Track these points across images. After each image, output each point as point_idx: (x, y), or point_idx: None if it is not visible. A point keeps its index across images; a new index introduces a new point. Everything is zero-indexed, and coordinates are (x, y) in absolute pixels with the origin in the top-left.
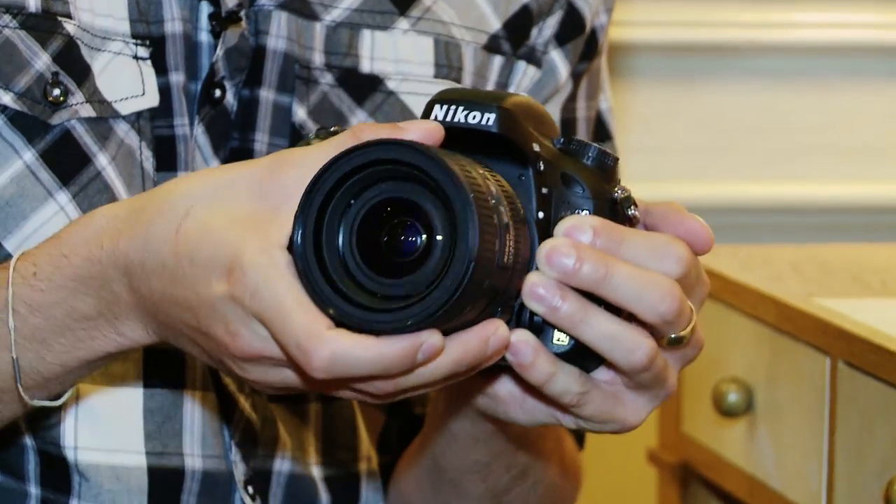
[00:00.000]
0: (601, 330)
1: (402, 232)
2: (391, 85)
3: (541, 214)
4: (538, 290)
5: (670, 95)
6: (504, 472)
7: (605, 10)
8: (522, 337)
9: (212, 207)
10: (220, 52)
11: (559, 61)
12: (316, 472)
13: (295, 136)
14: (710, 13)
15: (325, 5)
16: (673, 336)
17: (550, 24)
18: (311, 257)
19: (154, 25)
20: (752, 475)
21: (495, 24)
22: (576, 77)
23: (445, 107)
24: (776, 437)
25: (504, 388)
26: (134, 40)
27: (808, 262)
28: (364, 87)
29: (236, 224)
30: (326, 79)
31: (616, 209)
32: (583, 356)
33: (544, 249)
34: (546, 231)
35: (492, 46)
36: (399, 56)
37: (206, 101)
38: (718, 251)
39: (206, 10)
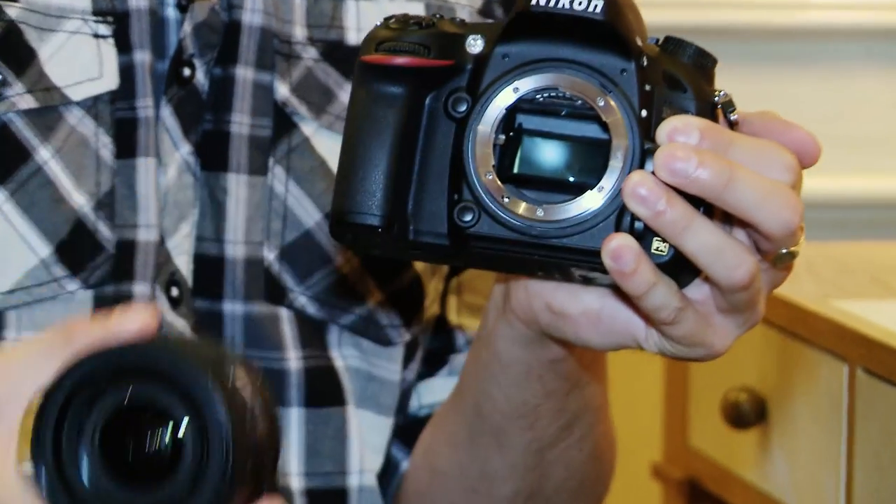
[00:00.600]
0: (706, 241)
1: (145, 433)
2: None
3: (644, 113)
4: (640, 191)
5: None
6: (553, 420)
7: None
8: (624, 241)
9: None
10: (187, 27)
11: None
12: (295, 483)
13: (279, 115)
14: None
15: None
16: (785, 251)
17: None
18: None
19: (118, 0)
20: (764, 491)
21: None
22: None
23: None
24: (790, 450)
25: (577, 302)
26: (95, 17)
27: (824, 262)
28: (352, 61)
29: None
30: (310, 53)
31: (716, 113)
32: (680, 269)
33: (662, 155)
34: (648, 131)
35: (485, 11)
36: None
37: (173, 80)
38: None
39: None
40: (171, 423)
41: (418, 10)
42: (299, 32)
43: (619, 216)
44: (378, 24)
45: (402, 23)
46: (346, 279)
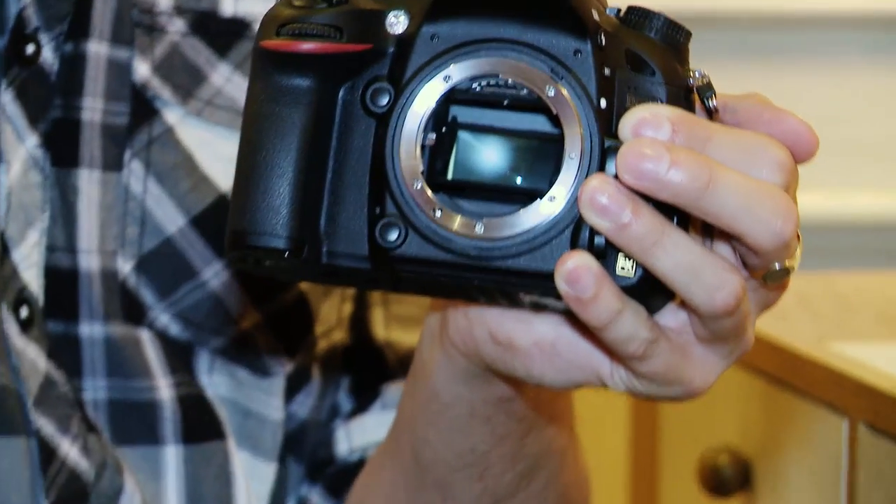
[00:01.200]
0: (681, 258)
1: None
2: None
3: (603, 102)
4: (600, 199)
5: None
6: (507, 468)
7: None
8: (582, 261)
9: None
10: None
11: None
12: None
13: (137, 100)
14: None
15: None
16: (778, 267)
17: None
18: None
19: None
20: None
21: None
22: None
23: None
24: None
25: (528, 331)
26: None
27: (821, 296)
28: (227, 34)
29: None
30: (176, 26)
31: (692, 98)
32: (651, 293)
33: (627, 154)
34: (609, 125)
35: None
36: None
37: (15, 59)
38: None
39: None
40: None
41: None
42: (164, 1)
43: (575, 230)
44: (278, 1)
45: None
46: (215, 295)
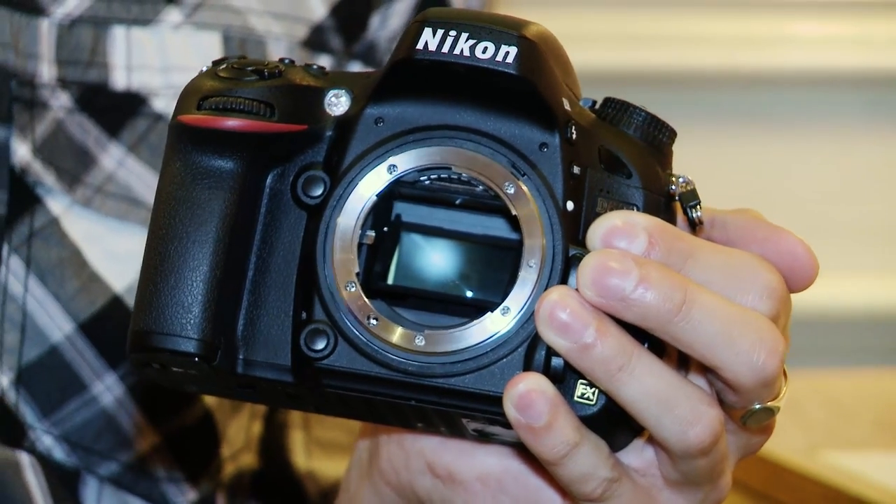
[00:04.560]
0: (650, 387)
1: None
2: (159, 105)
3: (570, 205)
4: (560, 315)
5: None
6: None
7: None
8: (535, 385)
9: None
10: None
11: None
12: None
13: (17, 186)
14: (661, 23)
15: None
16: (759, 407)
17: (399, 11)
18: None
19: None
20: None
21: (319, 10)
22: None
23: (441, 32)
24: None
25: (471, 463)
26: None
27: (812, 399)
28: (119, 111)
29: None
30: (61, 100)
31: (673, 207)
32: (614, 425)
33: (590, 266)
34: (576, 230)
35: (315, 41)
36: (169, 62)
37: None
38: None
39: None
40: None
41: (212, 42)
42: (47, 71)
43: (529, 349)
44: (203, 69)
45: (237, 70)
46: (107, 413)
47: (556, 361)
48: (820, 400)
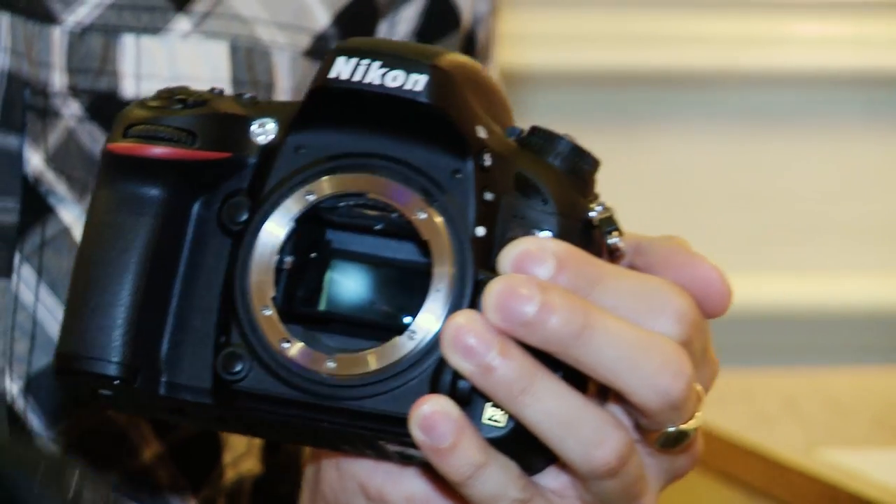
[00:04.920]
0: (552, 408)
1: None
2: None
3: (480, 231)
4: (465, 339)
5: (602, 143)
6: None
7: None
8: (439, 406)
9: None
10: None
11: None
12: None
13: (30, 195)
14: (659, 23)
15: (66, 2)
16: (672, 430)
17: (406, 17)
18: None
19: None
20: None
21: (322, 19)
22: None
23: (354, 61)
24: None
25: (398, 485)
26: None
27: (811, 396)
28: None
29: None
30: (72, 109)
31: (591, 234)
32: (526, 448)
33: (494, 291)
34: (487, 256)
35: (317, 51)
36: (178, 71)
37: None
38: None
39: None
40: None
41: (220, 51)
42: (58, 80)
43: (436, 372)
44: (134, 100)
45: (165, 99)
46: (113, 423)
47: (462, 384)
48: (819, 398)
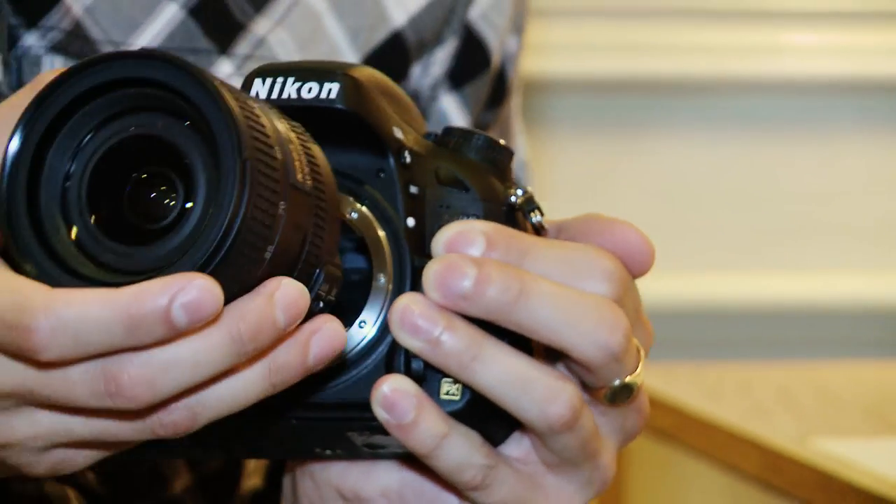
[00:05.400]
0: (503, 371)
1: (150, 188)
2: None
3: (411, 221)
4: (413, 319)
5: (605, 149)
6: None
7: (513, 30)
8: (397, 384)
9: None
10: None
11: (454, 110)
12: None
13: None
14: (661, 33)
15: (116, 43)
16: (617, 384)
17: (439, 59)
18: (20, 196)
19: None
20: None
21: (351, 60)
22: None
23: (270, 80)
24: None
25: (372, 481)
26: None
27: (804, 388)
28: None
29: None
30: None
31: (514, 216)
32: (485, 417)
33: (432, 271)
34: (420, 244)
35: None
36: None
37: None
38: (676, 374)
39: None
40: (183, 192)
41: None
42: None
43: (388, 356)
44: None
45: None
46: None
47: (415, 364)
48: (811, 390)
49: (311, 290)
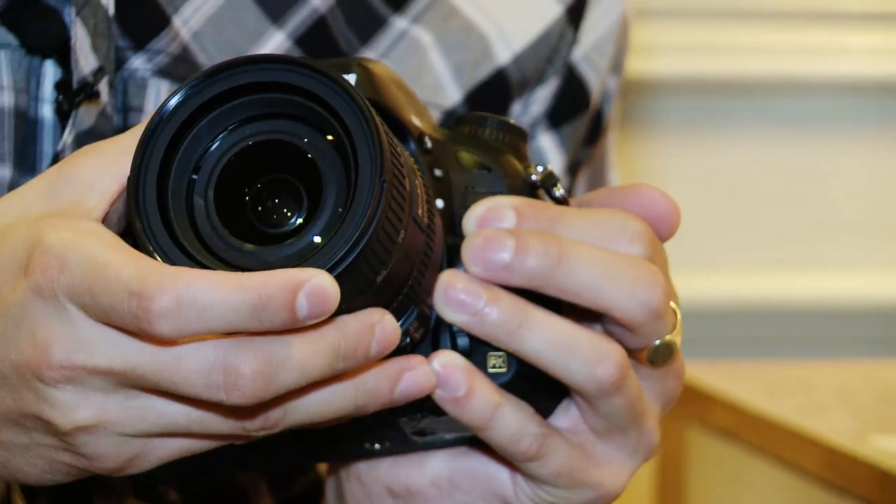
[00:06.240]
0: (550, 336)
1: (275, 194)
2: None
3: (440, 203)
4: (456, 294)
5: (665, 150)
6: None
7: (613, 70)
8: (448, 360)
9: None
10: (67, 137)
11: (552, 149)
12: None
13: None
14: (720, 33)
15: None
16: (658, 343)
17: (540, 98)
18: (150, 192)
19: None
20: None
21: (454, 96)
22: (574, 168)
23: None
24: None
25: (422, 472)
26: None
27: (861, 386)
28: None
29: (30, 223)
30: None
31: (537, 193)
32: (533, 388)
33: (469, 246)
34: (452, 225)
35: (444, 123)
36: None
37: None
38: (735, 372)
39: (51, 75)
40: (306, 201)
41: None
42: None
43: (434, 336)
44: None
45: None
46: (234, 479)
47: (461, 341)
48: (869, 387)
49: (402, 325)
